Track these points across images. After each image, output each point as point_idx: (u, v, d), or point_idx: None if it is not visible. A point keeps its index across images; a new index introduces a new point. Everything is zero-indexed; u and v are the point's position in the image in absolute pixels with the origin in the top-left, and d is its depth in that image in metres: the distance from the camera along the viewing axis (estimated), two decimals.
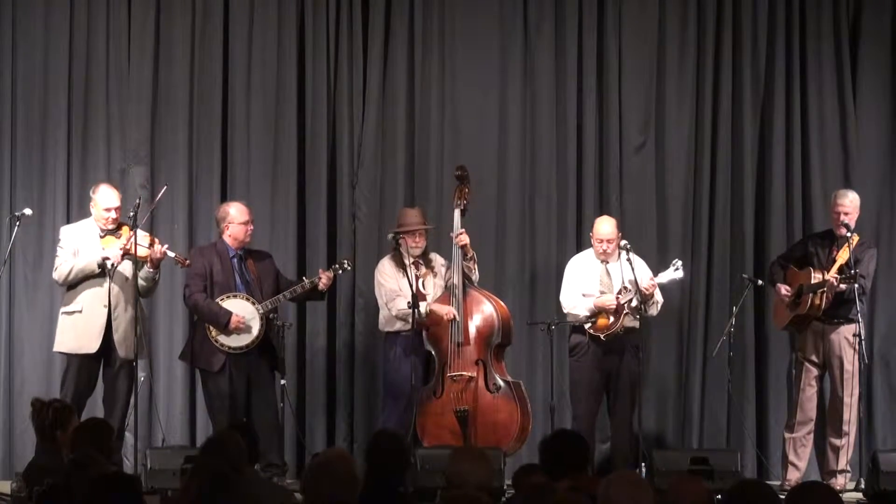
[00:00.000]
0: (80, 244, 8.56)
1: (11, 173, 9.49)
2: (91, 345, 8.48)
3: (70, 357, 8.57)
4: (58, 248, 8.63)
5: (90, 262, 8.47)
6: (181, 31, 9.64)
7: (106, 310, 8.47)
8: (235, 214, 8.78)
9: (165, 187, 9.05)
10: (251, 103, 9.70)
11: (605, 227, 8.96)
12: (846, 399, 8.93)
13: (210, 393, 8.78)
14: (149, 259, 8.48)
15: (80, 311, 8.50)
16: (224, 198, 9.58)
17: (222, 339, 8.64)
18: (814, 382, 9.06)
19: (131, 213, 8.57)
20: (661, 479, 8.20)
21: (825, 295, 8.83)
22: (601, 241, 8.90)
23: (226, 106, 9.69)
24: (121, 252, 8.42)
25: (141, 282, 8.55)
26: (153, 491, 7.75)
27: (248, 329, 8.64)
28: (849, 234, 8.86)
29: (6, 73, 9.49)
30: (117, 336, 8.50)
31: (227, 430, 6.56)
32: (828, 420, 9.07)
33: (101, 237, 8.57)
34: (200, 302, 8.71)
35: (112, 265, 8.43)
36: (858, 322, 8.87)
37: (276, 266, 9.00)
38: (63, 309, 8.59)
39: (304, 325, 9.63)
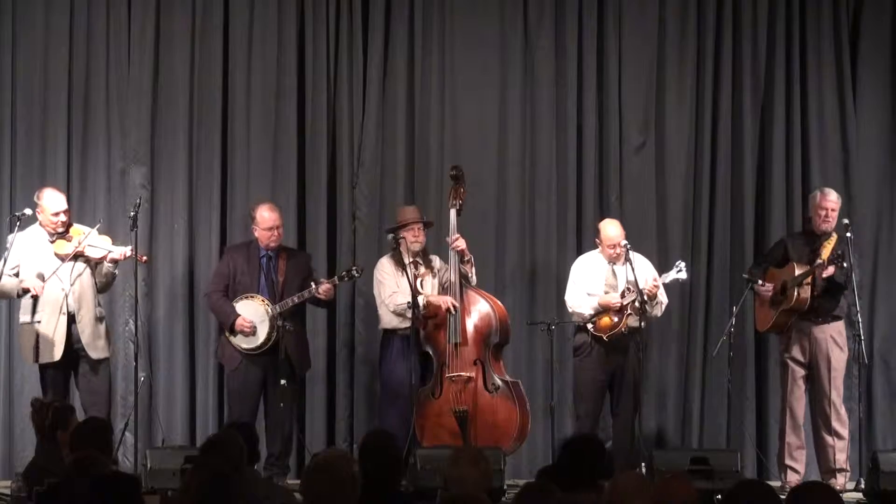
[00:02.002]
0: (26, 253, 8.48)
1: (11, 173, 9.49)
2: (54, 353, 8.41)
3: (41, 368, 8.51)
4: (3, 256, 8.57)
5: (11, 289, 8.43)
6: (181, 31, 9.64)
7: (65, 316, 8.41)
8: (260, 220, 8.80)
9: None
10: (251, 103, 9.70)
11: (614, 230, 8.95)
12: (834, 398, 8.95)
13: (226, 388, 8.96)
14: (108, 259, 8.45)
15: (40, 322, 8.41)
16: (224, 198, 9.60)
17: (234, 339, 8.74)
18: (801, 383, 9.05)
19: (131, 213, 8.59)
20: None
21: (812, 288, 8.82)
22: (613, 245, 8.89)
23: (226, 106, 9.69)
24: (43, 284, 8.34)
25: (100, 278, 8.53)
26: (153, 491, 7.73)
27: (256, 332, 8.68)
28: (830, 232, 8.91)
29: (6, 73, 9.49)
30: (84, 338, 8.44)
31: (227, 430, 6.57)
32: (819, 419, 9.07)
33: (52, 241, 8.51)
34: (213, 301, 8.86)
35: (32, 297, 8.35)
36: (858, 321, 8.91)
37: (312, 267, 9.01)
38: (22, 319, 8.51)
39: (305, 325, 9.62)
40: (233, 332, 8.72)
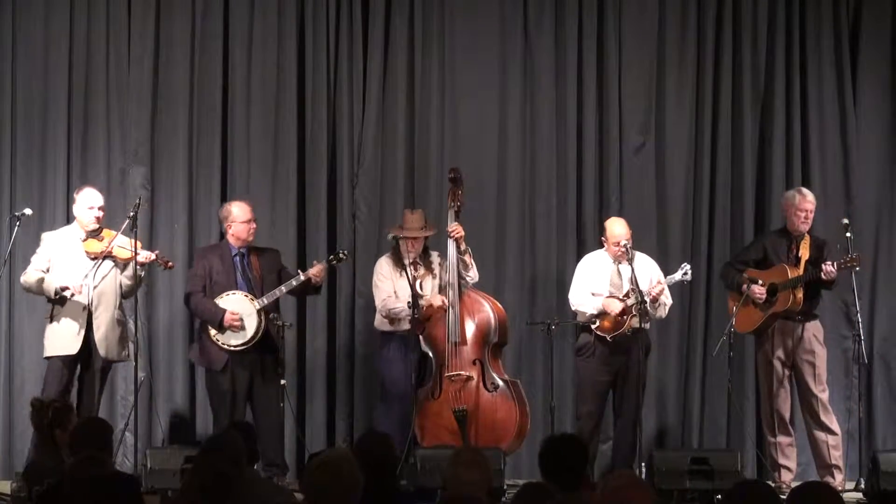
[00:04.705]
0: (58, 252, 8.53)
1: (11, 173, 9.50)
2: (71, 347, 8.46)
3: (51, 360, 8.54)
4: (35, 253, 8.62)
5: (49, 288, 8.46)
6: (181, 31, 9.64)
7: (86, 312, 8.46)
8: (237, 213, 8.80)
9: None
10: (251, 103, 9.70)
11: (619, 228, 8.93)
12: (819, 394, 8.96)
13: (211, 391, 8.82)
14: (135, 261, 8.48)
15: (61, 315, 8.48)
16: (224, 198, 9.58)
17: (222, 337, 8.66)
18: (785, 383, 9.05)
19: (131, 213, 8.59)
20: (662, 479, 8.20)
21: (805, 290, 8.85)
22: (618, 243, 8.88)
23: (226, 106, 9.70)
24: (80, 284, 8.40)
25: (126, 281, 8.55)
26: (153, 491, 7.75)
27: (244, 326, 8.65)
28: (804, 233, 8.95)
29: (6, 74, 9.50)
30: (97, 335, 8.48)
31: (227, 430, 6.57)
32: (808, 417, 9.06)
33: (84, 240, 8.56)
34: (197, 301, 8.78)
35: (70, 296, 8.40)
36: (858, 322, 8.94)
37: (282, 263, 8.99)
38: (47, 314, 8.56)
39: (304, 325, 9.63)
40: (221, 329, 8.66)
